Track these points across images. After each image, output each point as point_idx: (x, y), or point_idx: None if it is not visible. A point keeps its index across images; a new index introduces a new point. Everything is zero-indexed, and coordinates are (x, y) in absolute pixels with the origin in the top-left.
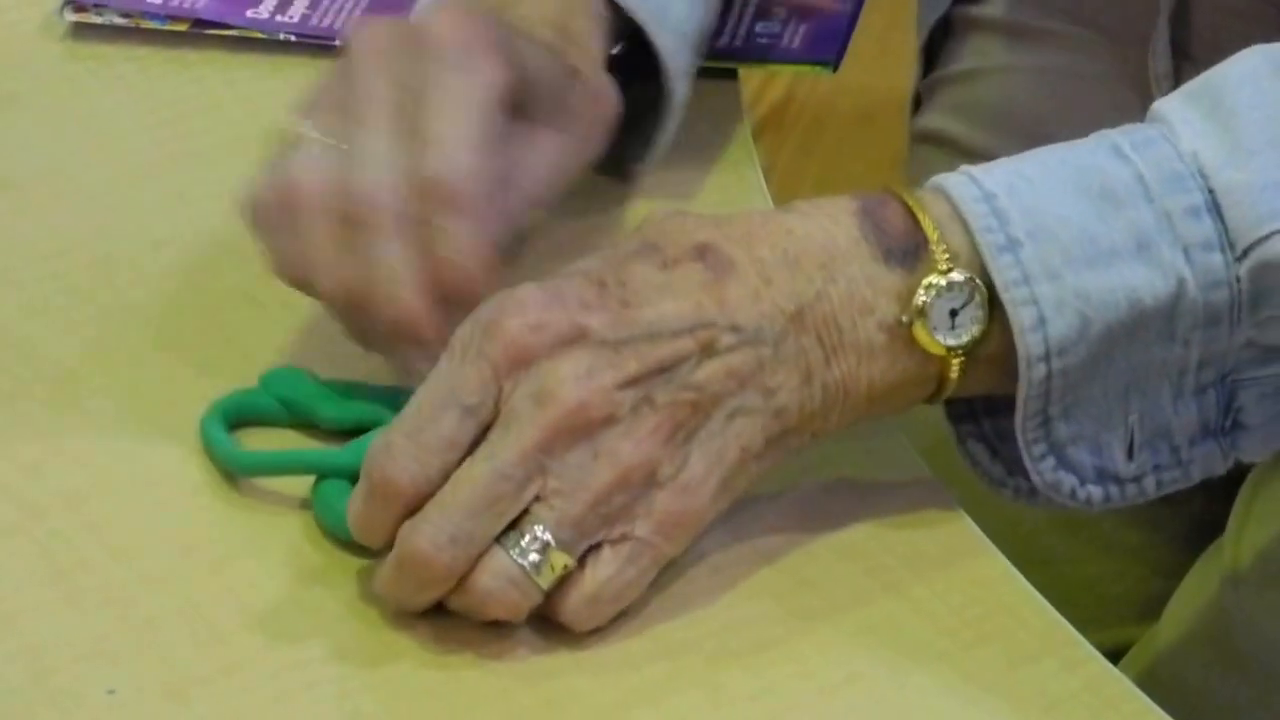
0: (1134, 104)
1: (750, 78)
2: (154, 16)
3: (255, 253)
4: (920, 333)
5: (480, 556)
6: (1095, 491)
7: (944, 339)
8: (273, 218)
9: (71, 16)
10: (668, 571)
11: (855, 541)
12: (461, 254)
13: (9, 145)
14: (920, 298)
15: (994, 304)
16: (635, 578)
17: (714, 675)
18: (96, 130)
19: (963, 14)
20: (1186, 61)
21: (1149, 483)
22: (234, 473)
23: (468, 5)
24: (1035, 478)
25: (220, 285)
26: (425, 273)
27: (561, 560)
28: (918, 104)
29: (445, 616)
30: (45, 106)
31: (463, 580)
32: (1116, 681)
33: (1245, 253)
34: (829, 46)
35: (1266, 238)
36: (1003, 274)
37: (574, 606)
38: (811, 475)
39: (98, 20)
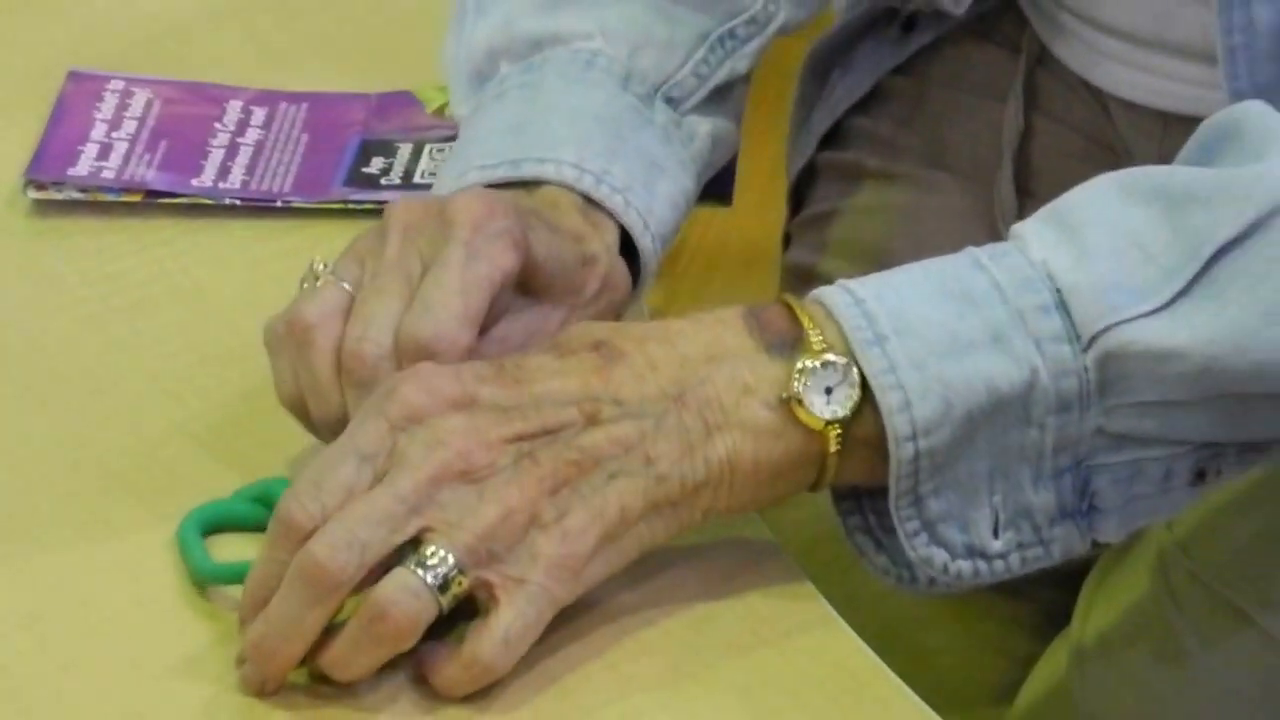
0: (982, 236)
1: None
2: (109, 190)
3: (191, 392)
4: (799, 409)
5: (381, 574)
6: (965, 566)
7: (821, 413)
8: (281, 342)
9: (33, 194)
10: (547, 658)
11: (736, 645)
12: None
13: None
14: (798, 377)
15: (866, 389)
16: (535, 619)
17: None
18: (46, 288)
19: (826, 159)
20: (1029, 198)
21: (1014, 560)
22: (203, 583)
23: (496, 192)
24: (910, 553)
25: (159, 424)
26: None
27: (459, 580)
28: (788, 242)
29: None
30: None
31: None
32: None
33: (1090, 343)
34: (722, 184)
35: (1107, 329)
36: (872, 364)
37: (489, 649)
38: (692, 582)
39: (58, 196)
